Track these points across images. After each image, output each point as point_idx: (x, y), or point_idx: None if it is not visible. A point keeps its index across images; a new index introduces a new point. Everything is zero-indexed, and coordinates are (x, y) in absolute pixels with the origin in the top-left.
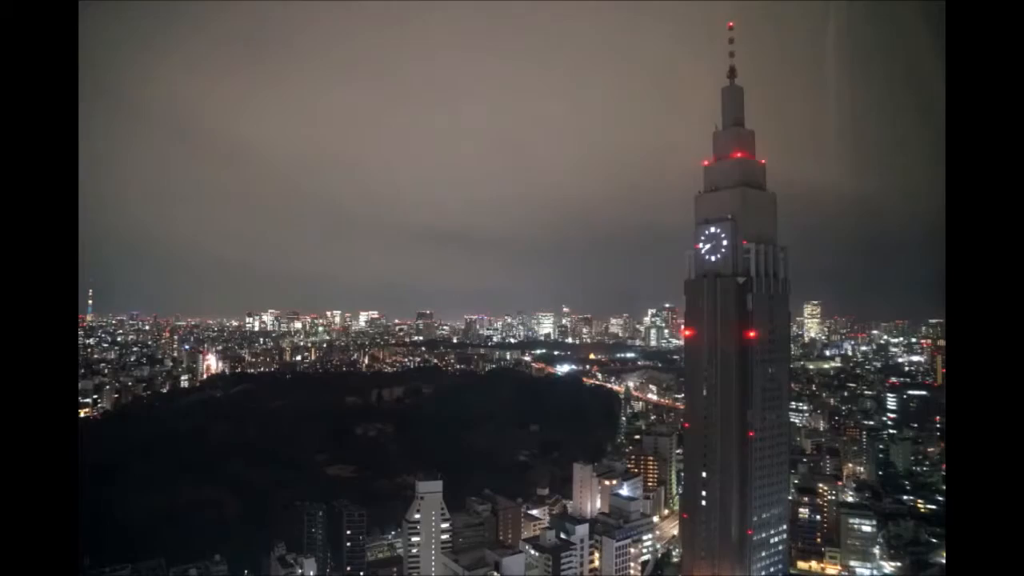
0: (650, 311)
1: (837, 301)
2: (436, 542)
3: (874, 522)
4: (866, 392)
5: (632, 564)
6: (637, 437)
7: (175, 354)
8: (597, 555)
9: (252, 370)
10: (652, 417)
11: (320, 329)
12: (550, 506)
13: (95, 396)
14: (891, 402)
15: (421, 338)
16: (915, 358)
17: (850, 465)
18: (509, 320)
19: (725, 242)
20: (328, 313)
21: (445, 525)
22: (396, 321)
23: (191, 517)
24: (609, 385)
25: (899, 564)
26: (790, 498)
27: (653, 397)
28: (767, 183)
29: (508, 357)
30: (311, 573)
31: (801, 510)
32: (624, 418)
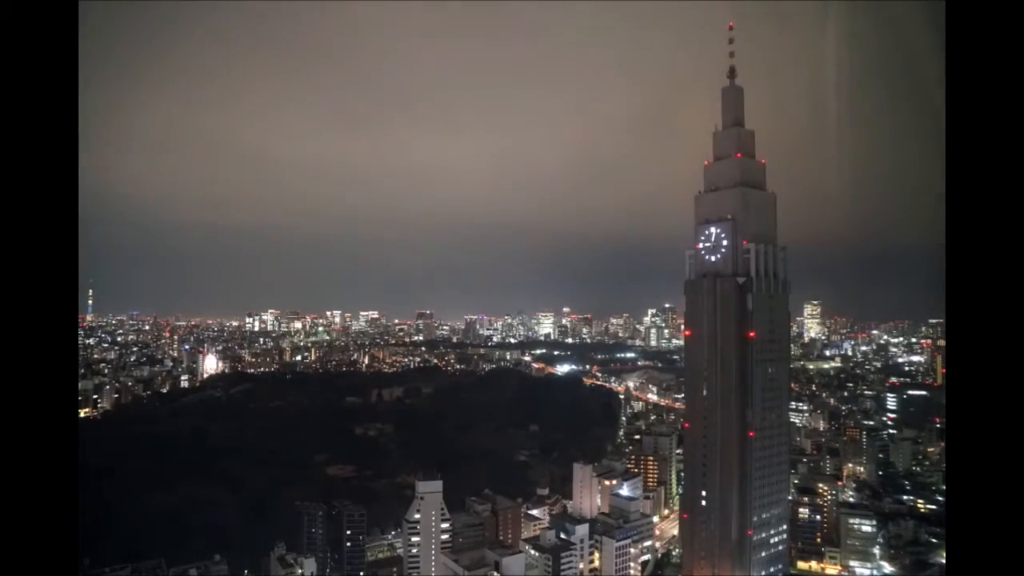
0: (650, 311)
1: (837, 301)
2: (436, 542)
3: (874, 522)
4: (866, 392)
5: (632, 564)
6: (637, 437)
7: (175, 354)
8: (597, 555)
9: (252, 370)
10: (652, 417)
11: (320, 329)
12: (550, 506)
13: (95, 396)
14: (891, 402)
15: (421, 338)
16: (915, 358)
17: (850, 465)
18: (509, 320)
19: (725, 242)
20: (328, 313)
21: (445, 525)
22: (396, 321)
23: (191, 517)
24: (609, 385)
25: (899, 564)
26: (790, 498)
27: (653, 397)
28: (767, 183)
29: (508, 357)
30: (311, 573)
31: (801, 510)
32: (624, 418)
